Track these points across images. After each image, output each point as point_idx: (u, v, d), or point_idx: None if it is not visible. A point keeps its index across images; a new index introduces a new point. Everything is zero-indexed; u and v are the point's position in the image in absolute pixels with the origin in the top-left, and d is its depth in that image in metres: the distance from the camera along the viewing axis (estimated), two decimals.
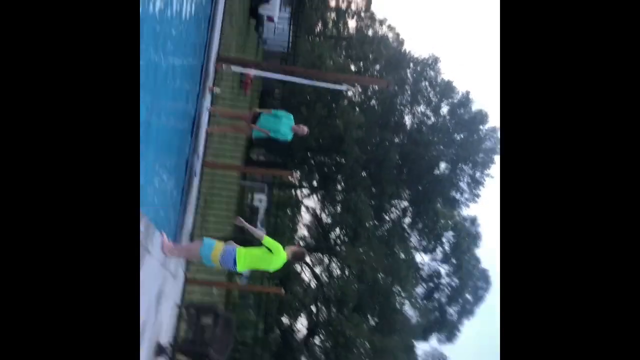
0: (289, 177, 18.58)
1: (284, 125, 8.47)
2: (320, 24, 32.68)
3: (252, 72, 11.41)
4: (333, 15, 33.40)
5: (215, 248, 6.07)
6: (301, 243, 27.93)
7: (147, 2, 5.18)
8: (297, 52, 13.20)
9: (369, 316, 25.04)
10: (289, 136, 8.54)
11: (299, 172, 27.11)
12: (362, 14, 33.22)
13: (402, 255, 26.23)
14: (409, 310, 28.06)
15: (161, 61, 6.07)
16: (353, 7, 33.45)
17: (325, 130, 23.30)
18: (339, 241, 27.05)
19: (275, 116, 8.50)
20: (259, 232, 6.20)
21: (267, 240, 6.00)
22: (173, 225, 7.87)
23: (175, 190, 7.93)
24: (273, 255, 6.06)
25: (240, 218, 6.41)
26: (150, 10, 5.32)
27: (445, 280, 28.58)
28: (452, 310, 27.20)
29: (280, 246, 6.12)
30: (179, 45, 7.18)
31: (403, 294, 26.00)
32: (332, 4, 33.27)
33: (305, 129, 8.68)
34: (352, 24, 33.71)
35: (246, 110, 13.36)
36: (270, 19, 17.44)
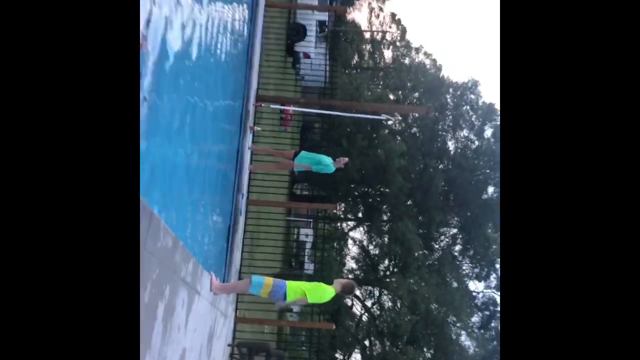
0: (334, 210, 18.51)
1: (323, 159, 8.59)
2: (356, 57, 33.05)
3: (291, 108, 11.56)
4: (368, 47, 33.75)
5: (265, 285, 6.08)
6: (350, 276, 27.64)
7: (187, 49, 5.34)
8: (335, 86, 13.31)
9: (424, 349, 24.33)
10: (331, 167, 8.64)
11: (343, 205, 27.04)
12: (398, 43, 33.44)
13: (455, 284, 25.55)
14: (465, 340, 27.13)
15: (202, 105, 6.21)
16: (388, 37, 33.75)
17: (367, 161, 23.24)
18: (388, 272, 26.61)
19: (314, 157, 8.70)
20: (303, 299, 6.21)
21: (311, 297, 6.07)
22: (221, 264, 7.91)
23: (222, 230, 8.00)
24: (322, 288, 6.09)
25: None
26: (191, 56, 5.48)
27: None
28: None
29: (326, 288, 6.15)
30: (218, 87, 7.35)
31: (458, 324, 25.20)
32: (367, 36, 33.66)
33: (345, 160, 8.79)
34: (388, 54, 33.98)
35: (287, 147, 13.51)
36: (307, 55, 17.74)
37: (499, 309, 27.56)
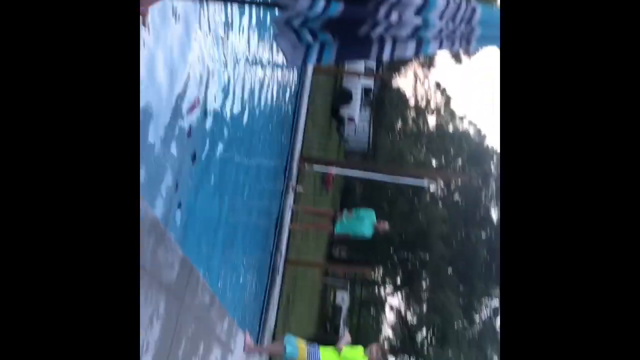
0: (371, 274, 18.21)
1: (365, 224, 8.52)
2: (400, 122, 33.44)
3: (334, 170, 11.69)
4: (412, 113, 34.16)
5: (300, 349, 6.01)
6: (385, 344, 26.75)
7: (239, 110, 5.54)
8: (378, 150, 13.48)
9: None
10: (368, 234, 8.55)
11: (382, 269, 26.60)
12: (442, 111, 33.73)
13: (496, 359, 24.34)
14: None
15: (248, 164, 6.37)
16: (432, 104, 34.13)
17: (408, 226, 23.00)
18: (425, 342, 25.66)
19: (357, 217, 8.60)
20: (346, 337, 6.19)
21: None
22: (255, 323, 7.83)
23: (258, 289, 7.97)
24: (357, 356, 5.97)
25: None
26: (240, 117, 5.68)
27: None
28: None
29: (358, 354, 6.03)
30: (265, 148, 7.54)
31: None
32: (412, 102, 34.14)
33: (386, 225, 8.67)
34: (431, 121, 34.26)
35: (328, 207, 13.53)
36: (352, 119, 18.07)
37: None
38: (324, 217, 9.36)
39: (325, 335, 18.21)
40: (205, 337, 4.23)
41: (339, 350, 6.01)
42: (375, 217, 8.64)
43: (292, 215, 9.71)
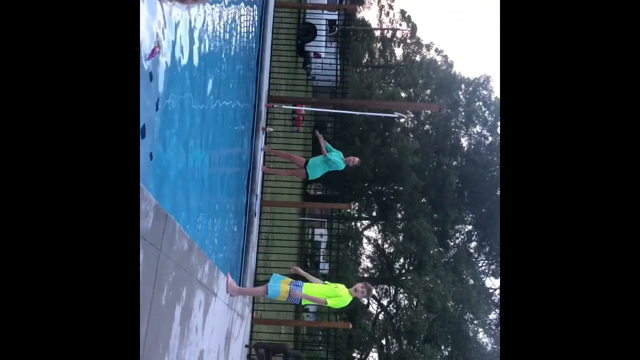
0: (348, 209, 18.48)
1: (334, 156, 8.55)
2: (367, 55, 32.99)
3: (303, 108, 11.56)
4: (379, 45, 33.67)
5: (282, 291, 6.19)
6: (365, 275, 27.59)
7: (197, 51, 5.36)
8: (346, 85, 13.30)
9: (441, 347, 24.22)
10: (341, 165, 8.61)
11: (357, 204, 27.00)
12: (408, 41, 33.32)
13: (471, 281, 25.41)
14: (483, 337, 26.95)
15: (214, 107, 6.23)
16: (398, 34, 33.64)
17: (380, 160, 23.19)
18: (404, 271, 26.53)
19: (325, 157, 8.59)
20: (316, 279, 6.36)
21: (331, 302, 6.17)
22: (237, 265, 7.94)
23: (237, 232, 8.02)
24: (339, 292, 6.16)
25: (296, 267, 6.62)
26: (200, 58, 5.50)
27: None
28: None
29: (344, 294, 6.21)
30: (229, 89, 7.38)
31: (475, 321, 25.05)
32: (377, 34, 33.57)
33: (356, 160, 8.71)
34: (399, 51, 33.88)
35: (300, 147, 13.48)
36: (317, 55, 17.73)
37: None
38: (295, 163, 9.33)
39: (307, 271, 18.59)
40: (186, 282, 4.27)
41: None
42: (342, 155, 8.70)
43: (264, 157, 9.65)
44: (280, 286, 6.26)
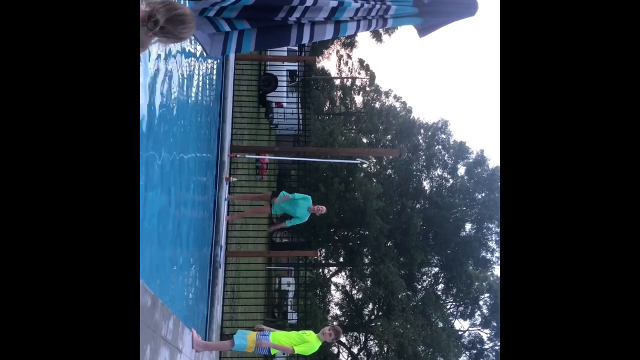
0: (315, 257, 18.39)
1: (300, 208, 8.59)
2: (328, 103, 33.65)
3: (267, 157, 11.64)
4: (339, 93, 34.44)
5: (249, 343, 6.06)
6: (334, 322, 27.20)
7: (158, 105, 5.39)
8: (309, 132, 13.49)
9: None
10: (305, 218, 8.66)
11: (324, 250, 26.89)
12: (367, 88, 34.22)
13: (440, 324, 25.34)
14: None
15: (176, 159, 6.22)
16: (358, 82, 34.54)
17: (345, 205, 23.32)
18: (373, 317, 26.30)
19: (293, 201, 8.61)
20: (288, 348, 6.20)
21: (299, 349, 6.08)
22: (202, 319, 7.74)
23: (201, 284, 7.86)
24: (307, 337, 6.08)
25: (260, 325, 6.47)
26: (161, 112, 5.52)
27: (488, 345, 27.35)
28: None
29: (312, 340, 6.13)
30: (191, 141, 7.39)
31: None
32: (337, 82, 34.39)
33: (322, 209, 8.73)
34: (358, 99, 34.71)
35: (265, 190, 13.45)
36: (279, 104, 17.99)
37: (485, 346, 27.34)
38: (260, 199, 9.34)
39: (275, 322, 18.26)
40: (150, 339, 4.14)
41: (289, 351, 6.17)
42: (311, 201, 8.73)
43: (228, 207, 9.60)
44: (246, 338, 6.13)
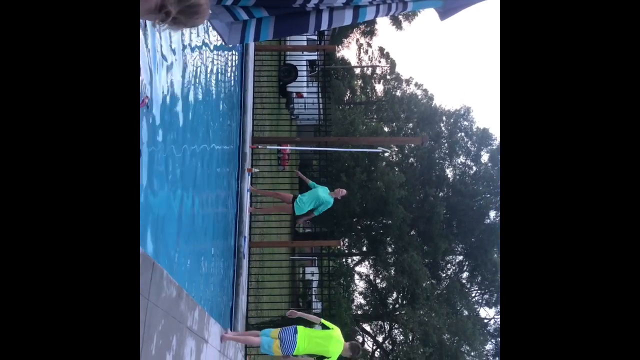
0: (338, 246, 18.40)
1: (322, 193, 8.55)
2: (348, 92, 33.51)
3: (288, 147, 11.64)
4: (360, 82, 34.26)
5: (275, 343, 6.13)
6: (359, 312, 27.26)
7: (180, 95, 5.41)
8: (330, 122, 13.44)
9: None
10: (330, 201, 8.58)
11: (347, 240, 26.89)
12: (388, 77, 33.96)
13: (465, 312, 25.20)
14: None
15: (199, 151, 6.25)
16: (378, 71, 34.30)
17: (367, 194, 23.26)
18: (397, 305, 26.27)
19: (314, 191, 8.62)
20: (314, 317, 6.33)
21: (324, 322, 6.19)
22: (227, 309, 7.81)
23: (226, 275, 7.93)
24: (332, 338, 6.08)
25: (293, 310, 6.58)
26: (184, 105, 5.55)
27: None
28: None
29: (336, 328, 6.20)
30: (214, 133, 7.42)
31: (472, 353, 24.74)
32: (358, 71, 34.20)
33: (343, 191, 8.71)
34: (379, 87, 34.49)
35: (287, 186, 13.48)
36: (300, 95, 17.96)
37: None
38: (282, 200, 9.31)
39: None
40: (176, 330, 4.19)
41: (316, 321, 6.21)
42: (328, 190, 8.72)
43: (250, 197, 9.64)
44: (272, 337, 6.22)
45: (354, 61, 35.15)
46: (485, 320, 27.84)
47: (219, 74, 7.95)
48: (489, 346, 26.54)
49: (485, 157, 27.38)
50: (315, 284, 21.02)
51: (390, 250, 26.11)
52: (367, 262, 29.01)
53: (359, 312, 27.21)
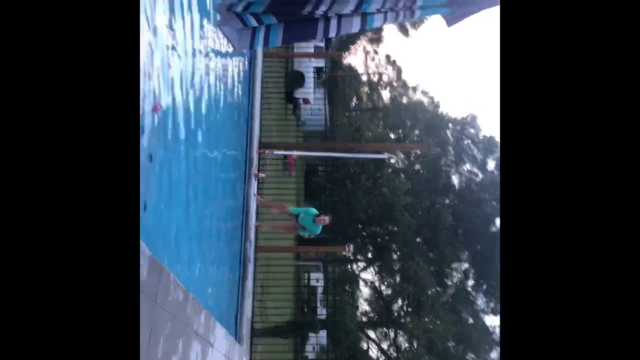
0: (343, 252, 18.39)
1: (307, 222, 8.70)
2: (354, 99, 33.51)
3: (294, 153, 11.68)
4: (366, 89, 34.27)
5: None
6: (364, 319, 27.15)
7: (191, 101, 5.46)
8: (336, 129, 13.46)
9: None
10: (316, 229, 8.72)
11: (352, 246, 26.82)
12: (394, 84, 33.96)
13: (471, 320, 25.06)
14: None
15: (206, 156, 6.30)
16: (384, 78, 34.32)
17: (373, 201, 23.21)
18: (402, 313, 26.15)
19: (301, 218, 8.77)
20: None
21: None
22: (232, 313, 7.83)
23: (231, 279, 7.95)
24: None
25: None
26: (192, 110, 5.60)
27: None
28: None
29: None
30: (221, 138, 7.47)
31: None
32: (364, 78, 34.24)
33: (326, 220, 8.68)
34: (385, 94, 34.46)
35: (292, 191, 13.48)
36: (306, 101, 18.04)
37: None
38: (288, 231, 9.57)
39: (304, 318, 18.35)
40: (183, 333, 4.21)
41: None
42: (315, 212, 8.77)
43: (257, 210, 9.69)
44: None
45: (360, 68, 35.21)
46: (491, 329, 27.66)
47: (228, 80, 8.02)
48: (494, 354, 26.35)
49: (491, 164, 27.32)
50: (320, 290, 21.00)
51: (395, 257, 26.02)
52: (372, 269, 28.93)
53: (363, 319, 27.09)
